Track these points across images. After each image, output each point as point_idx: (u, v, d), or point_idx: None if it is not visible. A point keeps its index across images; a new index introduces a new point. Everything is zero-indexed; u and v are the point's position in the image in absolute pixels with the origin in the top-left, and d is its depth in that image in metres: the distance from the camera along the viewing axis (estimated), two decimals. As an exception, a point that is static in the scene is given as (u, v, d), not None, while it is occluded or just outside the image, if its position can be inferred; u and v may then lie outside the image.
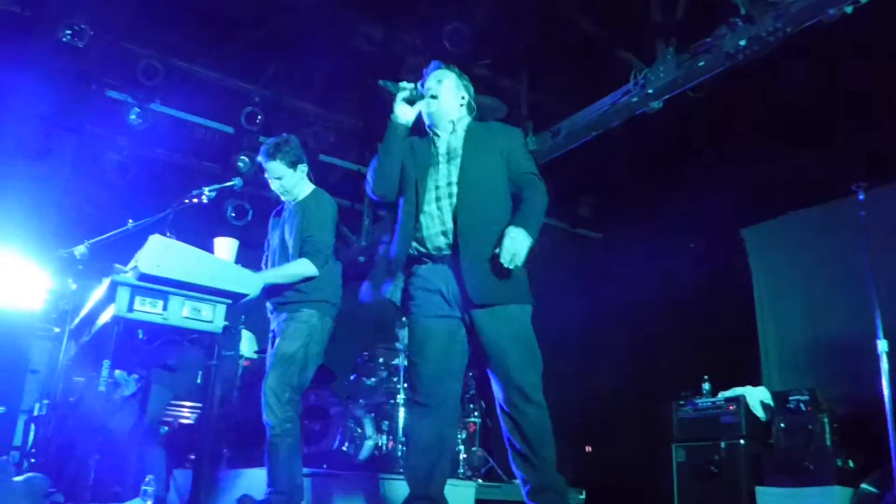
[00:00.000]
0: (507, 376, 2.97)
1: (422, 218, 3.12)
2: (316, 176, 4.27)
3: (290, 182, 4.07)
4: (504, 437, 3.05)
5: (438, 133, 3.28)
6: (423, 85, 3.28)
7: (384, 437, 6.34)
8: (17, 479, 3.22)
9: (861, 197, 4.61)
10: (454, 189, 3.12)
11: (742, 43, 4.56)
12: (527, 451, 2.96)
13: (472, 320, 3.03)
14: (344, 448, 5.89)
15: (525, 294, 3.09)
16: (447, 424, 3.08)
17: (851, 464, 5.04)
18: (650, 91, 5.16)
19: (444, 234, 3.09)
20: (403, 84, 3.17)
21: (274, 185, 4.08)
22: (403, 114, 3.16)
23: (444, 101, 3.24)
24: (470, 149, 3.19)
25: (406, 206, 3.16)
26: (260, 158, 4.11)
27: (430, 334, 3.07)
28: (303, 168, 4.11)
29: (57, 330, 4.78)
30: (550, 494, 2.97)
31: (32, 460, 4.27)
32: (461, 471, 6.25)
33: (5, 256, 5.47)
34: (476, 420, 6.44)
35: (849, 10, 4.11)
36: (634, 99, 5.27)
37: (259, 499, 3.73)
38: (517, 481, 3.12)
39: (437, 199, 3.13)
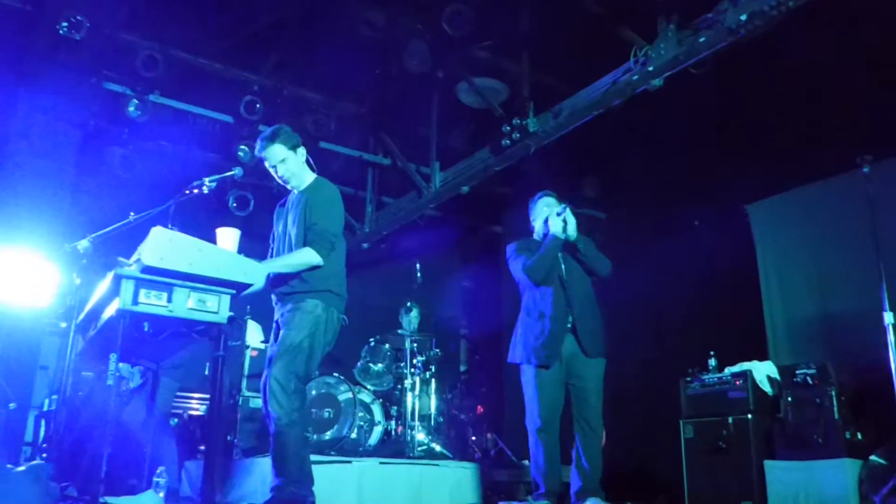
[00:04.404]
0: (587, 414, 4.54)
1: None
2: (318, 163, 4.24)
3: (295, 165, 4.03)
4: (576, 447, 4.52)
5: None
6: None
7: (393, 422, 6.37)
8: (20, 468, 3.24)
9: (866, 170, 4.59)
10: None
11: (743, 18, 4.49)
12: (588, 463, 4.47)
13: (580, 373, 4.53)
14: (353, 435, 5.93)
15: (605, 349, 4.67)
16: (558, 441, 4.55)
17: (860, 436, 5.04)
18: (651, 69, 5.10)
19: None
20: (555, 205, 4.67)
21: (280, 171, 4.00)
22: (563, 230, 4.57)
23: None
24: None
25: (556, 296, 4.56)
26: (258, 149, 4.06)
27: (548, 385, 4.51)
28: (302, 152, 4.07)
29: (64, 325, 4.80)
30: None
31: (44, 455, 4.30)
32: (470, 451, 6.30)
33: (13, 253, 5.50)
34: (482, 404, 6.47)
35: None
36: (635, 77, 5.21)
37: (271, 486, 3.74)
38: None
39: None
